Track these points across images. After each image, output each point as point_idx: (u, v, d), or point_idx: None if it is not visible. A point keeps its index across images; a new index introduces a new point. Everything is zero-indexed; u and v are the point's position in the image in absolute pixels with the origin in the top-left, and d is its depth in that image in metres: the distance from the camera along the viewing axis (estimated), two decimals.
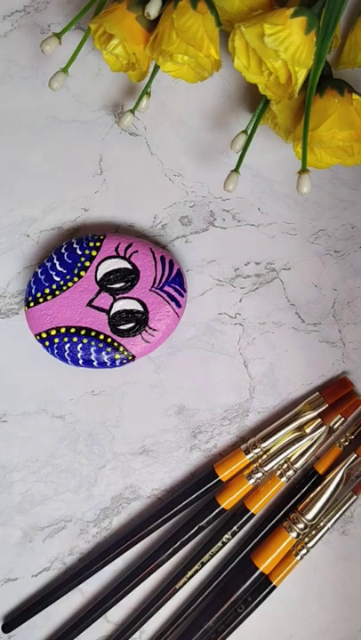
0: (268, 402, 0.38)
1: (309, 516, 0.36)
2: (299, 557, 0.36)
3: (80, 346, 0.36)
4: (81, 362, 0.36)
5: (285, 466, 0.37)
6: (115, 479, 0.38)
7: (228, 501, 0.37)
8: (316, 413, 0.37)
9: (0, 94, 0.38)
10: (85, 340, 0.36)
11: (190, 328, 0.38)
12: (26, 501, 0.38)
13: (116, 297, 0.36)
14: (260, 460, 0.37)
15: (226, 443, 0.38)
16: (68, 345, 0.36)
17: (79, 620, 0.37)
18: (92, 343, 0.36)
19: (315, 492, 0.36)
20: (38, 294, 0.36)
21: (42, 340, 0.36)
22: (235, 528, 0.37)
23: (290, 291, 0.39)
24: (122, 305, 0.36)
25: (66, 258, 0.37)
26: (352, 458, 0.37)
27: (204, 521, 0.37)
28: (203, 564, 0.37)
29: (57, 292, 0.36)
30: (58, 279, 0.36)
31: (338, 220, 0.39)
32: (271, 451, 0.37)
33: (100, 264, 0.36)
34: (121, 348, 0.36)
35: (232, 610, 0.36)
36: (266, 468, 0.36)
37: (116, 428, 0.38)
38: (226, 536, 0.37)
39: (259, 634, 0.38)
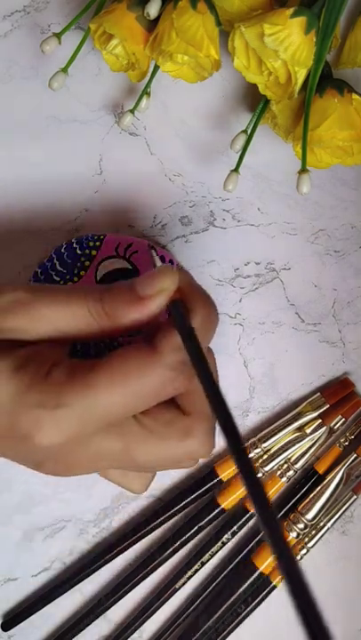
0: (268, 402, 0.38)
1: (309, 515, 0.36)
2: (299, 557, 0.36)
3: (80, 346, 0.36)
4: None
5: (286, 466, 0.37)
6: None
7: (228, 501, 0.37)
8: (316, 414, 0.37)
9: (0, 94, 0.38)
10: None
11: None
12: (26, 501, 0.38)
13: None
14: (260, 461, 0.37)
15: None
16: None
17: (79, 620, 0.37)
18: (92, 343, 0.36)
19: (315, 492, 0.36)
20: None
21: None
22: (235, 528, 0.37)
23: (290, 291, 0.39)
24: None
25: (66, 258, 0.37)
26: (352, 458, 0.37)
27: (204, 521, 0.37)
28: (203, 564, 0.37)
29: None
30: (58, 279, 0.36)
31: (338, 220, 0.39)
32: (272, 451, 0.37)
33: (99, 264, 0.36)
34: None
35: (232, 610, 0.36)
36: (266, 469, 0.36)
37: None
38: (226, 536, 0.37)
39: (259, 634, 0.38)
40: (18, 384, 0.24)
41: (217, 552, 0.37)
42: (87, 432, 0.24)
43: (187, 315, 0.25)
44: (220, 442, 0.38)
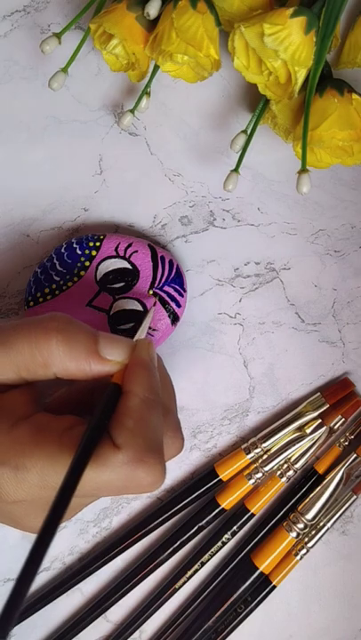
0: (268, 402, 0.38)
1: (309, 515, 0.36)
2: (299, 557, 0.36)
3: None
4: None
5: (285, 466, 0.37)
6: None
7: (228, 501, 0.37)
8: (316, 414, 0.37)
9: (0, 94, 0.38)
10: None
11: (190, 328, 0.38)
12: None
13: (116, 297, 0.36)
14: (260, 460, 0.37)
15: (226, 443, 0.38)
16: None
17: (79, 620, 0.37)
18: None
19: (315, 492, 0.36)
20: (38, 294, 0.36)
21: None
22: (235, 528, 0.37)
23: (290, 291, 0.39)
24: (121, 305, 0.36)
25: (66, 258, 0.37)
26: (352, 458, 0.37)
27: (204, 521, 0.37)
28: (203, 564, 0.37)
29: (57, 292, 0.36)
30: (58, 279, 0.36)
31: (338, 220, 0.39)
32: (272, 451, 0.37)
33: (99, 264, 0.37)
34: None
35: (232, 610, 0.36)
36: (266, 468, 0.36)
37: None
38: (226, 536, 0.37)
39: (259, 634, 0.38)
40: None
41: (217, 552, 0.37)
42: (47, 495, 0.24)
43: (114, 404, 0.24)
44: (220, 442, 0.38)
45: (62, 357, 0.25)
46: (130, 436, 0.23)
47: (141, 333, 0.28)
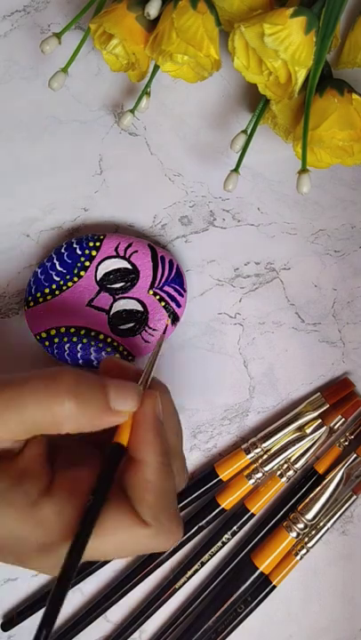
0: (268, 402, 0.38)
1: (309, 515, 0.36)
2: (299, 557, 0.36)
3: (80, 346, 0.36)
4: (81, 362, 0.36)
5: (286, 466, 0.37)
6: None
7: (228, 501, 0.37)
8: (317, 414, 0.37)
9: (0, 94, 0.38)
10: (85, 340, 0.36)
11: (190, 328, 0.38)
12: None
13: (116, 297, 0.36)
14: (260, 460, 0.37)
15: (225, 443, 0.38)
16: (67, 345, 0.36)
17: (79, 620, 0.37)
18: (92, 343, 0.36)
19: (315, 492, 0.36)
20: (38, 294, 0.36)
21: (42, 340, 0.36)
22: (235, 528, 0.37)
23: (290, 291, 0.39)
24: (122, 305, 0.36)
25: (66, 258, 0.37)
26: (352, 458, 0.37)
27: (204, 521, 0.37)
28: (203, 564, 0.37)
29: (57, 292, 0.36)
30: (58, 279, 0.36)
31: (338, 220, 0.39)
32: (272, 451, 0.37)
33: (99, 264, 0.37)
34: (121, 348, 0.36)
35: (232, 610, 0.36)
36: (266, 468, 0.36)
37: None
38: (226, 536, 0.37)
39: (259, 634, 0.38)
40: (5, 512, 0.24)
41: (217, 552, 0.37)
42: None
43: (115, 468, 0.25)
44: (220, 442, 0.38)
45: (75, 417, 0.25)
46: (155, 512, 0.25)
47: (147, 375, 0.28)
